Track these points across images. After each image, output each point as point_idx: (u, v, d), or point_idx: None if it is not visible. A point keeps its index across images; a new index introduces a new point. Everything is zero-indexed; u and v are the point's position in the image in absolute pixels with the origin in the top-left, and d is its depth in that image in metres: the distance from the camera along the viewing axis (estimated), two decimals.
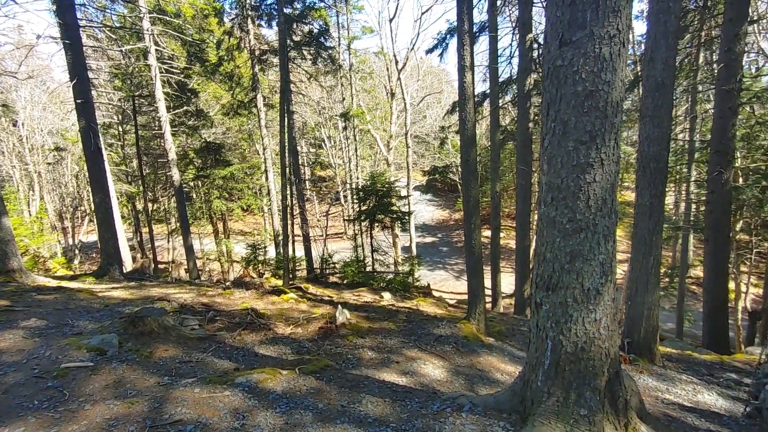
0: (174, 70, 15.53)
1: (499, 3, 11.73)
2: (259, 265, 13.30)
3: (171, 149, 14.62)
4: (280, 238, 12.56)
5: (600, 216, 2.74)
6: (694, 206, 15.43)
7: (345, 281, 11.84)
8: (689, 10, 10.87)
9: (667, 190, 5.98)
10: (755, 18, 11.52)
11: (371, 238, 13.08)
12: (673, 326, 13.92)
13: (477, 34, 11.69)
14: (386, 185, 12.56)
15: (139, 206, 21.53)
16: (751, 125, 12.05)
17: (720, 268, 8.58)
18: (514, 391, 3.24)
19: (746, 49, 8.97)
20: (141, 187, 18.65)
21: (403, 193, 18.68)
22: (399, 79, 21.71)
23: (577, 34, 2.63)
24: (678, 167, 14.63)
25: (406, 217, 14.47)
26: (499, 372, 4.96)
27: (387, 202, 12.35)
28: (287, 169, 11.87)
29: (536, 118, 11.31)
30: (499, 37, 11.82)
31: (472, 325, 6.16)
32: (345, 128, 22.69)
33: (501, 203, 21.82)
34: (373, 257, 12.93)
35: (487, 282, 10.98)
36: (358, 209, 13.22)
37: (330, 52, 14.72)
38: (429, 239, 28.67)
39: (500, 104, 13.10)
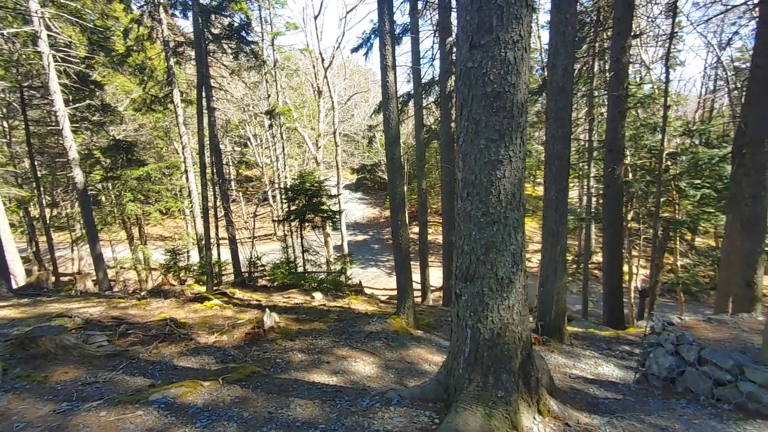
0: (72, 59, 13.82)
1: (420, 6, 12.09)
2: (181, 271, 12.42)
3: (72, 147, 13.02)
4: (204, 242, 11.82)
5: (510, 209, 2.94)
6: (594, 199, 17.27)
7: (275, 284, 11.48)
8: (585, 23, 12.12)
9: (570, 185, 6.60)
10: (638, 33, 13.14)
11: (302, 238, 12.82)
12: (580, 307, 15.44)
13: (400, 35, 11.96)
14: (316, 184, 12.38)
15: (35, 212, 18.94)
16: (637, 127, 13.78)
17: (615, 254, 9.68)
18: (438, 381, 3.38)
19: (631, 60, 10.20)
20: (35, 191, 16.41)
21: (334, 191, 18.56)
22: (326, 77, 21.49)
23: (485, 38, 2.79)
24: (580, 164, 16.26)
25: (337, 216, 14.38)
26: (427, 363, 5.14)
27: (317, 202, 12.18)
28: (209, 169, 11.20)
29: None
30: (421, 40, 12.20)
31: (401, 320, 6.30)
32: (271, 126, 21.95)
33: (428, 200, 22.60)
34: (304, 258, 12.67)
35: (417, 276, 11.29)
36: (287, 209, 12.86)
37: (252, 46, 14.11)
38: (361, 237, 28.79)
39: (424, 104, 13.54)
